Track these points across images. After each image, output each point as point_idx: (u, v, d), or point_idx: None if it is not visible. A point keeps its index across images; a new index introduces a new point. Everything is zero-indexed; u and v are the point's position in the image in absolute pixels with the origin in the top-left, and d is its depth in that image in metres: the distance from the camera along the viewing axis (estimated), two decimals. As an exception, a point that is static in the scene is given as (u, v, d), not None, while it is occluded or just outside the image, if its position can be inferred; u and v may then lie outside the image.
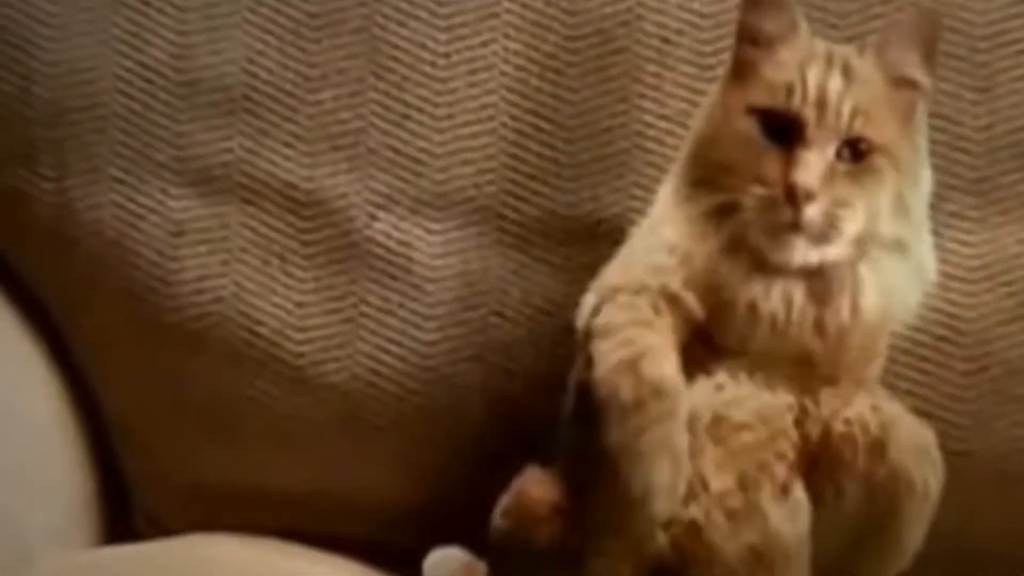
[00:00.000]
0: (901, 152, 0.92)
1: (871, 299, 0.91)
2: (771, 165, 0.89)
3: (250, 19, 1.08)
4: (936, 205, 1.01)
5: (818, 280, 0.91)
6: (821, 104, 0.89)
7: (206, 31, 1.09)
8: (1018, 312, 1.02)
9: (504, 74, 1.02)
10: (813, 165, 0.88)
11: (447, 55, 1.04)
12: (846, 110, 0.90)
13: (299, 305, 1.06)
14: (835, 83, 0.90)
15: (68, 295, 1.10)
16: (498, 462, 0.92)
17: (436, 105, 1.05)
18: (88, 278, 1.09)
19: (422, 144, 1.05)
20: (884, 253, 0.92)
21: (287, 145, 1.07)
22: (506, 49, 1.03)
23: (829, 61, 0.91)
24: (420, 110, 1.05)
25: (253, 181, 1.07)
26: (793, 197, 0.87)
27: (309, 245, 1.06)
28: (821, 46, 0.93)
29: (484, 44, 1.03)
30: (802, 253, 0.89)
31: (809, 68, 0.91)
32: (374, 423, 1.05)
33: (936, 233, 1.02)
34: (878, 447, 0.88)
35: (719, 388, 0.89)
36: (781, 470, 0.88)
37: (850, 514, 0.89)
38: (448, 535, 0.99)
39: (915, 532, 0.90)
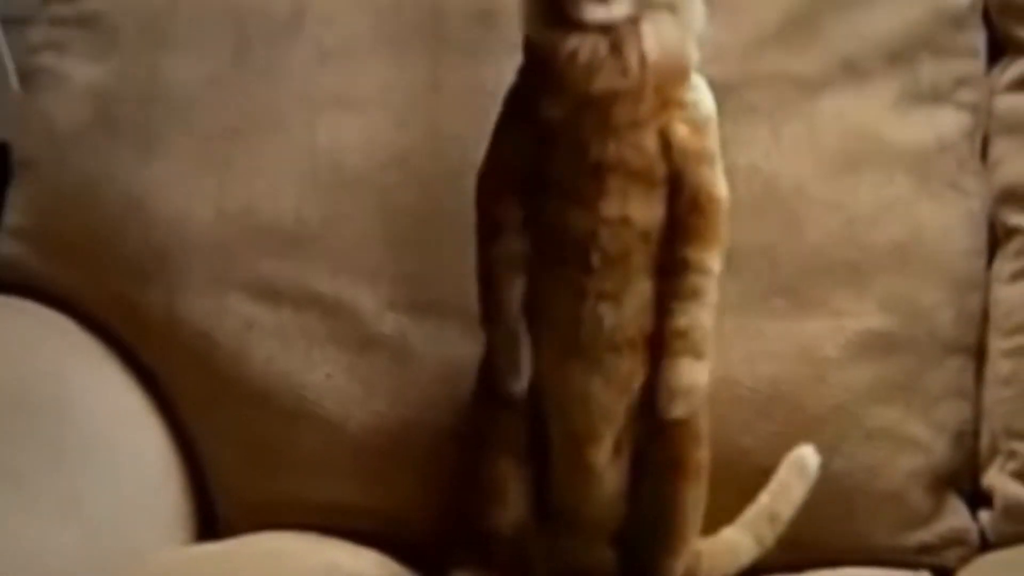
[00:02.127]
0: None
1: (651, 45, 1.13)
2: None
3: (297, 181, 1.35)
4: (762, 304, 1.28)
5: (614, 35, 1.13)
6: None
7: (268, 187, 1.35)
8: (817, 377, 1.29)
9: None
10: None
11: (437, 197, 1.31)
12: None
13: (331, 378, 1.32)
14: None
15: (170, 370, 1.36)
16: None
17: (429, 233, 1.32)
18: (184, 360, 1.35)
19: (417, 263, 1.32)
20: (659, 13, 1.14)
21: (323, 267, 1.33)
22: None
23: None
24: (417, 242, 1.32)
25: (300, 293, 1.33)
26: None
27: (338, 335, 1.32)
28: None
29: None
30: (593, 10, 1.12)
31: None
32: (384, 460, 1.31)
33: (761, 323, 1.28)
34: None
35: None
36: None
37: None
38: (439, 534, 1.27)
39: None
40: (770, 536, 1.26)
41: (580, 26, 1.13)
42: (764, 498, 1.27)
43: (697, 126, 1.17)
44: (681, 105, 1.17)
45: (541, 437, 1.21)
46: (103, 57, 1.42)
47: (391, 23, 1.40)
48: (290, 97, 1.38)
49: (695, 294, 1.17)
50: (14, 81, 1.60)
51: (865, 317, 1.30)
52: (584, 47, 1.13)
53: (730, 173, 1.21)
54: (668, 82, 1.16)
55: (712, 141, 1.18)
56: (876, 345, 1.30)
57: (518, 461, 1.21)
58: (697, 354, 1.17)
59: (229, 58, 1.40)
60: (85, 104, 1.41)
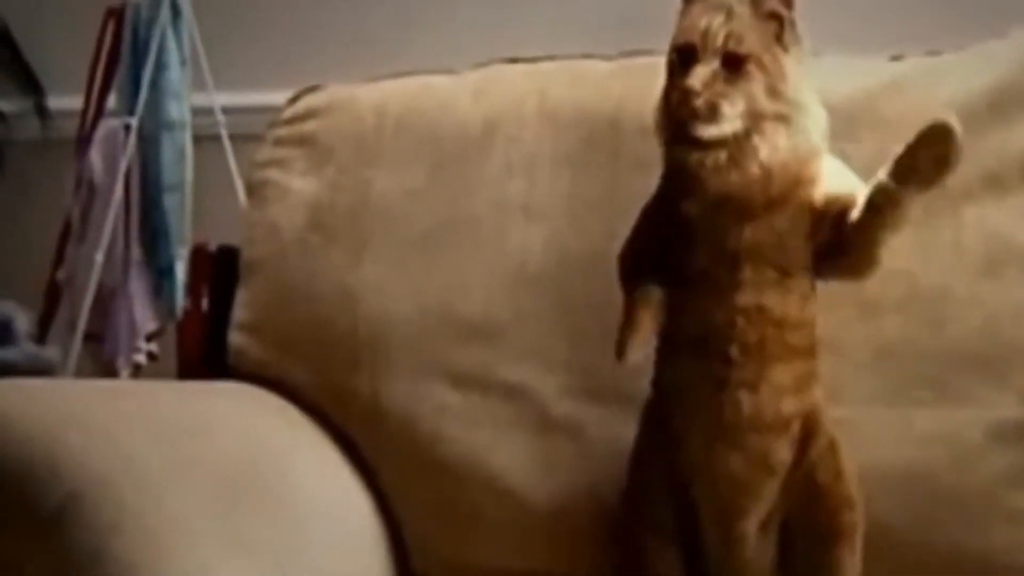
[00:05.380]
0: (767, 60, 1.25)
1: (765, 154, 1.24)
2: (681, 78, 1.25)
3: (487, 280, 1.48)
4: (909, 394, 1.35)
5: (733, 148, 1.25)
6: (705, 36, 1.25)
7: (461, 286, 1.49)
8: (960, 462, 1.35)
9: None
10: (699, 74, 1.24)
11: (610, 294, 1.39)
12: (721, 37, 1.25)
13: (518, 456, 1.45)
14: (716, 21, 1.25)
15: (373, 445, 1.50)
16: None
17: (602, 327, 1.38)
18: (386, 437, 1.49)
19: (591, 353, 1.43)
20: (771, 124, 1.26)
21: (507, 356, 1.46)
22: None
23: (717, 8, 1.26)
24: (591, 334, 1.43)
25: (487, 380, 1.47)
26: (685, 94, 1.25)
27: (520, 418, 1.46)
28: (716, 2, 1.26)
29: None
30: (703, 129, 1.24)
31: (703, 15, 1.26)
32: (560, 530, 1.43)
33: (907, 411, 1.35)
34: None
35: None
36: None
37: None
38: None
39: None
40: None
41: (698, 143, 1.26)
42: None
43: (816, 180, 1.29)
44: (811, 180, 1.29)
45: (691, 519, 1.31)
46: (319, 172, 1.60)
47: (572, 140, 1.54)
48: (481, 206, 1.53)
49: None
50: (241, 193, 1.74)
51: (1005, 408, 1.38)
52: (706, 162, 1.26)
53: (878, 275, 1.32)
54: (792, 172, 1.28)
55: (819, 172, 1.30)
56: (1015, 434, 1.37)
57: (668, 541, 1.31)
58: None
59: (428, 172, 1.56)
60: (303, 213, 1.58)
